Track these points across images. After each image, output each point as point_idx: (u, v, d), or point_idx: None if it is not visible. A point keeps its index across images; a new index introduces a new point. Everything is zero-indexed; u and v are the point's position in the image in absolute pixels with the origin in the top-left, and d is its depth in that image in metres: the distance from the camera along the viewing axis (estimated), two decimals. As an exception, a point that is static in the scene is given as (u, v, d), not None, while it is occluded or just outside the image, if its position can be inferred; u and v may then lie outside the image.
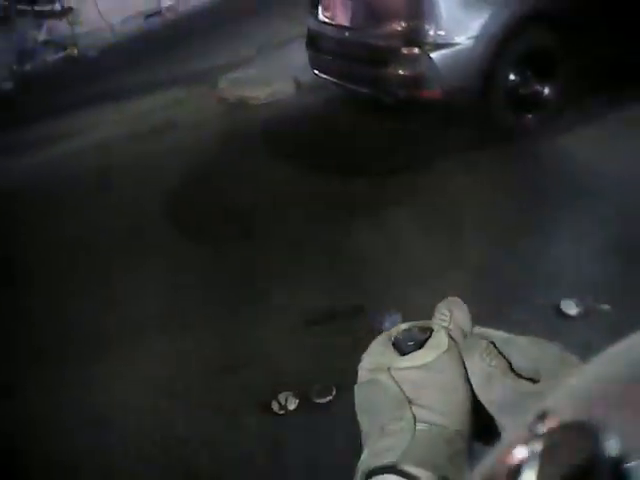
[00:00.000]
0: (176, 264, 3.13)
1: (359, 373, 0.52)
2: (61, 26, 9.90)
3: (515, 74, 3.34)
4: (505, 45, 3.20)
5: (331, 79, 4.08)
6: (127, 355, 2.51)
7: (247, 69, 5.95)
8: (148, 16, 11.33)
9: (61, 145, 5.45)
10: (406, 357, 0.51)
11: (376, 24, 3.44)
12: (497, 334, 0.50)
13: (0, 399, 2.41)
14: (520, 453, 0.26)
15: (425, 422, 0.46)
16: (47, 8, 9.67)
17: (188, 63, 7.19)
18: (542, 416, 0.27)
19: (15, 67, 9.16)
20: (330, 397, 2.11)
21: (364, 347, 1.82)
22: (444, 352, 0.49)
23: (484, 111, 3.42)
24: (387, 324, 1.89)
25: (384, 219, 3.06)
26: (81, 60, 9.39)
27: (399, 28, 3.31)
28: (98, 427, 2.18)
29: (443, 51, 3.18)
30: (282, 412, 2.10)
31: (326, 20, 3.94)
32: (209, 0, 11.97)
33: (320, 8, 3.98)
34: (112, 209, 3.92)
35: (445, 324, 0.53)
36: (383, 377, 0.50)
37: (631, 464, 0.23)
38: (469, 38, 3.16)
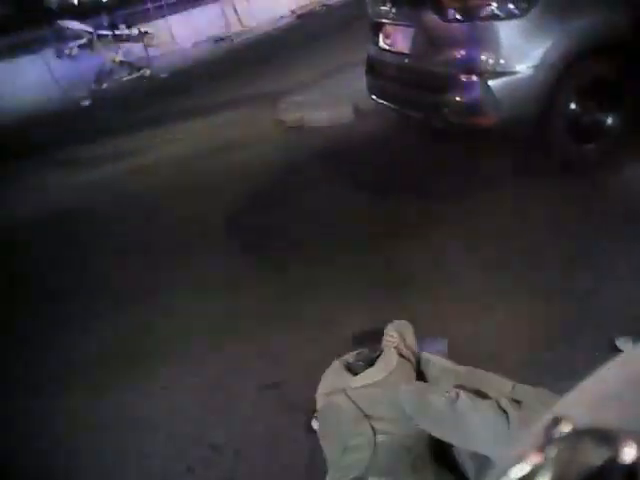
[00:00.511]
0: (229, 278, 3.24)
1: (317, 400, 0.55)
2: (137, 48, 10.51)
3: (576, 103, 3.27)
4: (566, 74, 3.14)
5: (388, 104, 4.12)
6: (175, 364, 2.61)
7: (307, 93, 6.11)
8: (217, 41, 11.85)
9: (131, 160, 5.76)
10: (359, 377, 0.53)
11: (435, 51, 3.47)
12: (439, 361, 0.52)
13: (52, 399, 2.55)
14: (535, 458, 0.26)
15: (385, 433, 0.48)
16: (125, 32, 10.30)
17: (251, 86, 7.45)
18: (556, 421, 0.27)
19: (93, 86, 9.79)
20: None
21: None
22: (395, 368, 0.52)
23: (543, 140, 3.36)
24: (431, 350, 1.94)
25: (434, 242, 3.05)
26: (153, 80, 9.91)
27: (458, 56, 3.32)
28: (144, 431, 2.27)
29: (502, 79, 3.17)
30: (321, 431, 2.11)
31: (386, 47, 4.01)
32: (275, 27, 12.41)
33: (381, 35, 4.06)
34: (173, 223, 4.11)
35: (395, 344, 0.56)
36: (340, 399, 0.53)
37: None
38: (529, 67, 3.13)
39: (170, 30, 11.36)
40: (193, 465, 2.06)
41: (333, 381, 0.57)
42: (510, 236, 2.95)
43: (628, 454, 0.24)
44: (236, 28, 12.20)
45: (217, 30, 12.09)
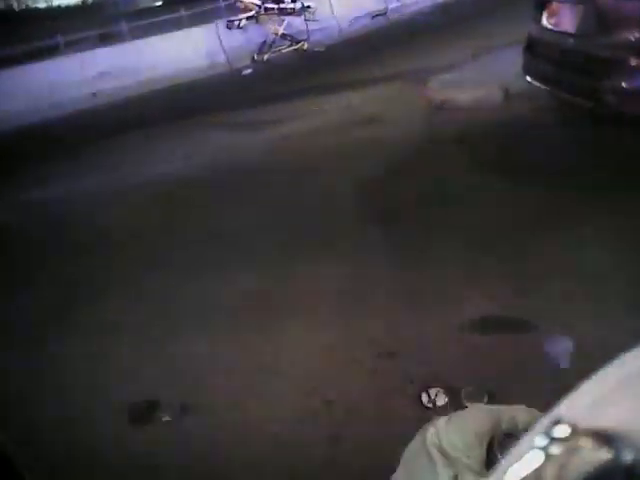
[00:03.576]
0: (357, 246, 3.35)
1: (436, 435, 0.45)
2: (298, 22, 10.91)
3: None
4: None
5: (544, 87, 3.90)
6: (300, 322, 2.78)
7: (458, 72, 5.97)
8: (374, 16, 11.86)
9: (285, 126, 6.09)
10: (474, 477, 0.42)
11: (605, 32, 3.20)
12: None
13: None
14: (537, 457, 0.27)
15: None
16: (290, 6, 10.71)
17: (403, 62, 7.42)
18: (557, 422, 0.28)
19: (256, 56, 10.39)
20: (480, 404, 2.11)
21: (526, 365, 1.84)
22: None
23: None
24: (555, 348, 1.95)
25: (576, 237, 2.89)
26: (309, 54, 10.26)
27: (631, 37, 3.04)
28: (268, 376, 2.49)
29: (680, 65, 2.85)
30: (430, 405, 2.15)
31: (549, 26, 3.77)
32: (432, 4, 12.09)
33: (545, 13, 3.83)
34: (312, 188, 4.32)
35: None
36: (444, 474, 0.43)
37: None
38: None
39: (330, 5, 11.59)
40: (302, 417, 2.20)
41: (463, 448, 0.50)
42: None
43: (627, 455, 0.24)
44: (393, 3, 12.09)
45: (375, 6, 12.07)
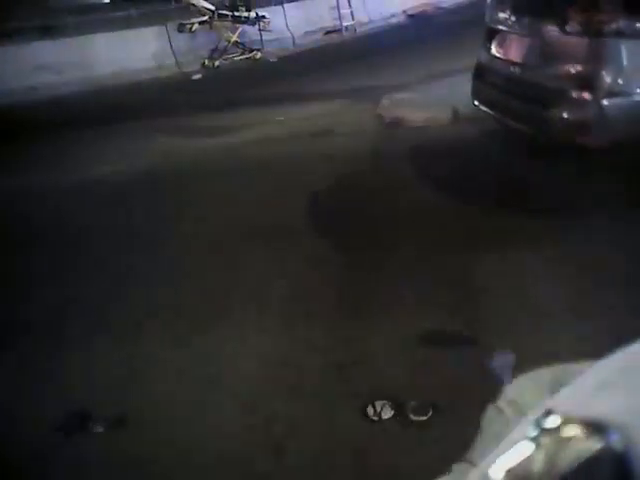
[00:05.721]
0: (307, 259, 3.32)
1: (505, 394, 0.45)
2: (252, 31, 10.89)
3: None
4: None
5: (491, 112, 4.06)
6: (245, 330, 2.72)
7: (409, 92, 6.13)
8: (328, 32, 12.03)
9: (230, 135, 5.99)
10: None
11: (549, 64, 3.37)
12: None
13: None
14: (528, 447, 0.27)
15: None
16: (244, 15, 10.66)
17: (355, 79, 7.54)
18: (548, 413, 0.28)
19: (206, 62, 10.25)
20: (425, 417, 2.12)
21: (470, 379, 1.85)
22: None
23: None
24: (497, 364, 1.97)
25: (514, 259, 2.99)
26: (262, 63, 10.24)
27: (572, 71, 3.21)
28: (207, 390, 2.41)
29: (618, 100, 3.03)
30: (376, 418, 2.14)
31: (498, 55, 3.94)
32: (386, 24, 12.44)
33: (494, 42, 3.99)
34: (259, 202, 4.25)
35: None
36: None
37: (634, 459, 0.24)
38: (650, 90, 2.98)
39: (285, 17, 11.66)
40: (246, 430, 2.14)
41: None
42: (598, 262, 2.83)
43: (617, 444, 0.24)
44: (347, 21, 12.32)
45: (329, 22, 12.26)
